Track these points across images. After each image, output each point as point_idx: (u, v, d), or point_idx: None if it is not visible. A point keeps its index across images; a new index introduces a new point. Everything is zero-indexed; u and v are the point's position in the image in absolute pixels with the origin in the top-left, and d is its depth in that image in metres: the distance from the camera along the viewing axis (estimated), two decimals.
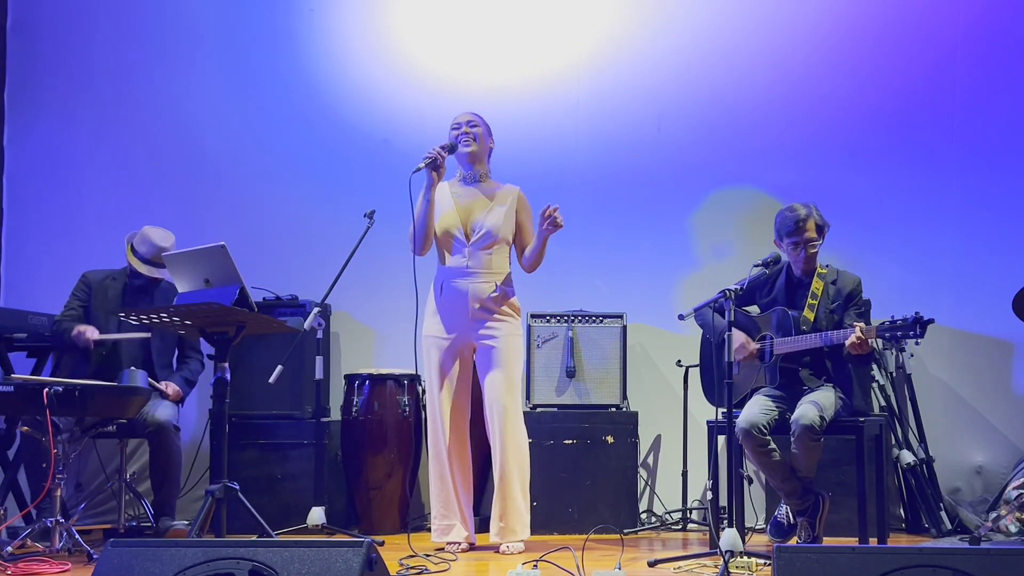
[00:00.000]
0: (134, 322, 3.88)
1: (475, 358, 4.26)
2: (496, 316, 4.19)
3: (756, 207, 5.24)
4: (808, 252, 4.01)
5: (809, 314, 4.02)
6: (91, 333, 4.39)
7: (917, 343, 3.70)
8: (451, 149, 4.19)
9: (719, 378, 3.88)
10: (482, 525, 4.50)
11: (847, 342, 3.75)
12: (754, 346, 4.09)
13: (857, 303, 4.03)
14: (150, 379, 4.35)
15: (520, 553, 4.09)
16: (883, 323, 3.76)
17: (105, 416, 4.08)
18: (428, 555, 3.89)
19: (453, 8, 5.54)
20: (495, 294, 4.18)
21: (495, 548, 4.16)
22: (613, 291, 5.28)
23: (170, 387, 4.47)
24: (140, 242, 4.53)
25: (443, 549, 4.10)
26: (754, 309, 4.25)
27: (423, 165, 4.09)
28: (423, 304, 4.24)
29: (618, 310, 4.97)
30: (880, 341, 4.83)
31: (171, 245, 4.51)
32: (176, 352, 4.67)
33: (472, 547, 4.18)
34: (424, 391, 4.94)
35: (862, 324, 3.76)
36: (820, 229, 4.02)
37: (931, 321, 3.66)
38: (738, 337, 4.06)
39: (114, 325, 4.52)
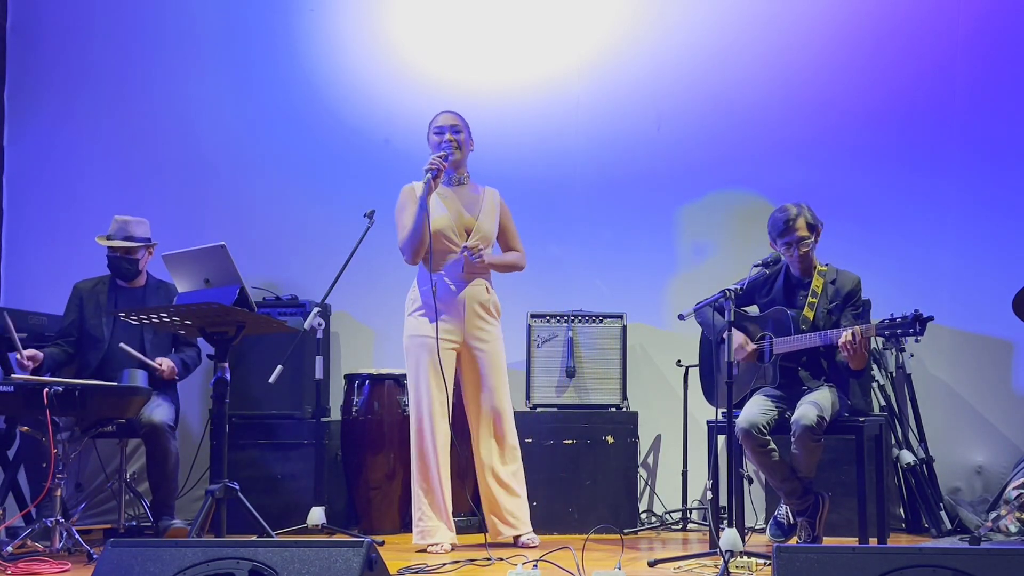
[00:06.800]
0: (133, 322, 3.89)
1: (464, 360, 4.27)
2: (487, 319, 4.25)
3: (756, 207, 5.23)
4: (801, 251, 3.99)
5: (808, 313, 4.01)
6: (26, 360, 4.29)
7: (917, 340, 3.70)
8: (446, 155, 4.17)
9: (719, 378, 3.88)
10: (467, 526, 4.57)
11: (840, 340, 3.75)
12: (752, 347, 4.08)
13: (855, 303, 4.02)
14: (144, 359, 4.37)
15: (535, 547, 4.14)
16: (882, 321, 3.75)
17: (105, 416, 4.08)
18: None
19: (453, 8, 5.53)
20: (490, 296, 4.26)
21: (511, 544, 4.19)
22: (613, 291, 5.28)
23: (164, 362, 4.42)
24: (111, 226, 4.56)
25: (424, 551, 4.10)
26: (753, 309, 4.25)
27: (429, 177, 4.07)
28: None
29: (618, 310, 4.97)
30: (880, 340, 4.85)
31: (139, 222, 4.57)
32: (172, 349, 4.66)
33: (454, 548, 4.14)
34: None
35: (857, 327, 3.75)
36: (812, 227, 4.00)
37: (930, 318, 3.65)
38: (736, 338, 4.05)
39: (109, 328, 4.52)
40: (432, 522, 4.12)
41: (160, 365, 4.43)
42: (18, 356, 4.25)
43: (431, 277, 4.16)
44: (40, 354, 4.33)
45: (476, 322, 4.22)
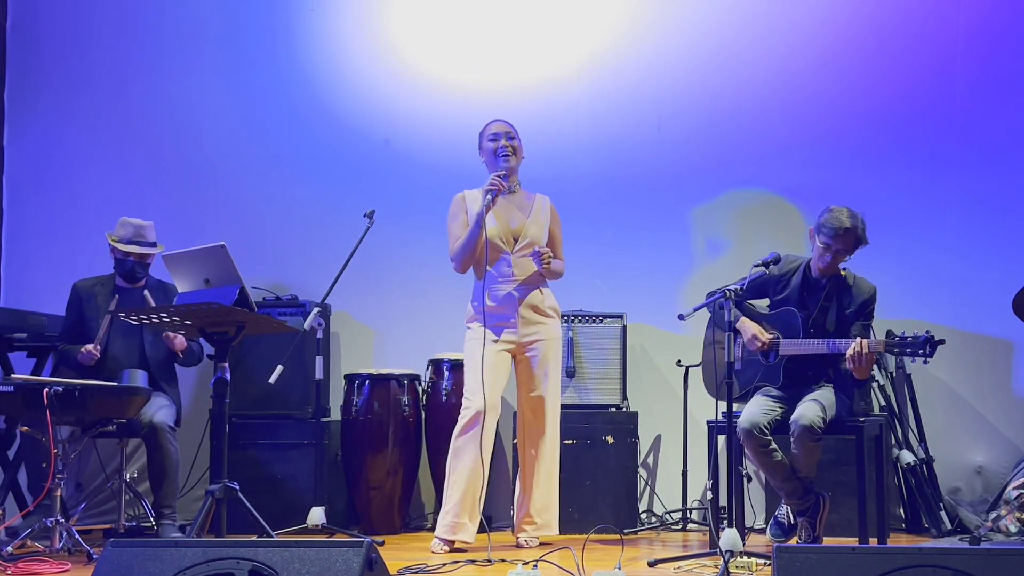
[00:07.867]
0: (133, 322, 3.88)
1: (518, 360, 4.31)
2: (541, 320, 4.30)
3: (757, 207, 5.24)
4: (835, 260, 3.96)
5: (820, 316, 4.00)
6: (95, 349, 4.38)
7: (926, 362, 3.72)
8: (505, 175, 4.23)
9: (719, 372, 3.87)
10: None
11: (848, 352, 3.75)
12: (767, 337, 4.04)
13: (868, 313, 4.00)
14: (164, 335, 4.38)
15: (535, 547, 4.19)
16: (893, 338, 3.77)
17: (105, 416, 4.08)
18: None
19: (453, 9, 5.53)
20: (543, 297, 4.32)
21: (511, 544, 4.22)
22: (613, 291, 5.28)
23: (177, 338, 4.44)
24: (120, 227, 4.55)
25: (428, 549, 4.11)
26: (763, 302, 4.22)
27: (490, 199, 4.15)
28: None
29: (618, 310, 4.97)
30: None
31: (150, 227, 4.57)
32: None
33: (455, 548, 4.13)
34: (425, 391, 4.95)
35: (865, 342, 3.74)
36: (856, 246, 3.95)
37: (942, 342, 3.69)
38: (751, 327, 4.05)
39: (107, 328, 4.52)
40: (459, 519, 4.12)
41: (174, 338, 4.42)
42: (88, 347, 4.36)
43: (484, 284, 4.24)
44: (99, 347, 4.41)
45: (530, 327, 4.27)
